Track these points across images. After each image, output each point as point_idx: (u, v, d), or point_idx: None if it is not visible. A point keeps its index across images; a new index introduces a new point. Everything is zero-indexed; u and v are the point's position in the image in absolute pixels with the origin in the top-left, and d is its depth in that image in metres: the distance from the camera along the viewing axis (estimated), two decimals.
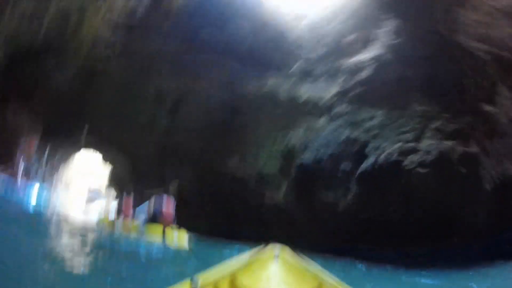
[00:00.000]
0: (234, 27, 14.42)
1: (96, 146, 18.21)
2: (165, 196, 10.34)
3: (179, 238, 9.57)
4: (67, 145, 17.65)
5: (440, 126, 11.68)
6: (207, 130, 14.46)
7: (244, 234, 14.09)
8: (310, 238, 13.21)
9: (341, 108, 13.67)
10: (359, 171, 12.25)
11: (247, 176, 13.77)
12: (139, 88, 14.01)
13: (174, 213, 10.28)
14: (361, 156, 12.52)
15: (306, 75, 15.19)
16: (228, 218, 14.39)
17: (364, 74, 13.68)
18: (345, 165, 12.57)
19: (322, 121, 14.01)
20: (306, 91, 14.60)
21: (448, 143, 11.26)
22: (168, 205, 10.19)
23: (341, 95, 14.02)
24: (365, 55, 14.11)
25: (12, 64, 12.63)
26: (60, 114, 15.05)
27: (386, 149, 12.06)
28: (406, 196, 11.65)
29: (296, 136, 13.80)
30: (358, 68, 14.04)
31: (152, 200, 10.64)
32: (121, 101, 14.28)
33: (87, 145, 18.64)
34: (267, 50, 14.79)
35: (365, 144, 12.65)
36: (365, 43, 14.59)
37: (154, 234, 9.49)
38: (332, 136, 13.04)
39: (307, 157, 13.07)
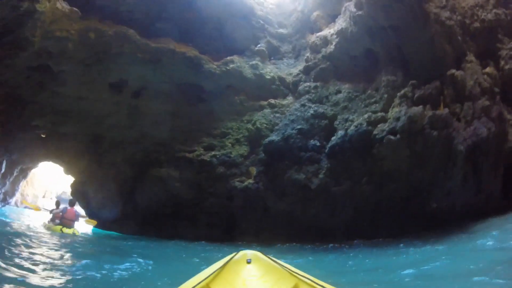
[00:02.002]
0: (201, 4, 13.86)
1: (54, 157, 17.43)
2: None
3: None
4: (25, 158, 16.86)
5: (408, 93, 11.45)
6: (171, 117, 13.86)
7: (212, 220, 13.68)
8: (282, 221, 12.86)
9: (307, 84, 13.32)
10: (329, 145, 11.90)
11: (215, 161, 13.22)
12: (98, 78, 13.35)
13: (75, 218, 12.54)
14: (330, 130, 12.20)
15: (272, 52, 14.81)
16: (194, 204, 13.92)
17: (329, 49, 13.38)
18: (315, 141, 12.20)
19: (288, 98, 13.63)
20: (272, 69, 14.20)
21: (417, 109, 11.01)
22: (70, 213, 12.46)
23: (307, 71, 13.68)
24: (329, 30, 13.83)
25: None
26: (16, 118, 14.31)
27: (355, 120, 11.76)
28: (378, 166, 11.40)
29: (262, 116, 13.35)
30: (323, 43, 13.74)
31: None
32: (78, 94, 13.61)
33: (45, 157, 17.78)
34: (234, 27, 14.30)
35: (333, 118, 12.33)
36: (331, 17, 14.35)
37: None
38: (299, 113, 12.66)
39: (274, 136, 12.63)
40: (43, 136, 15.23)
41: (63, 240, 10.15)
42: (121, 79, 13.78)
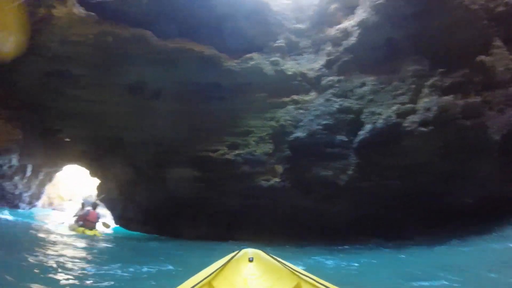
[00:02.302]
0: (216, 2, 13.59)
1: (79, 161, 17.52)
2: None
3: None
4: (48, 163, 16.93)
5: (436, 82, 11.09)
6: (191, 117, 13.65)
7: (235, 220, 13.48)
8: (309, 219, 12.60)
9: (330, 78, 12.98)
10: (357, 139, 11.58)
11: (240, 160, 12.96)
12: (116, 81, 13.22)
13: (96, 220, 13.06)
14: (357, 124, 11.86)
15: (291, 48, 14.48)
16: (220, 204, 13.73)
17: (350, 41, 13.02)
18: (341, 136, 11.89)
19: (311, 94, 13.31)
20: (293, 65, 13.88)
21: (448, 98, 10.65)
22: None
23: (329, 65, 13.33)
24: (349, 22, 13.47)
25: None
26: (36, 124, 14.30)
27: (382, 113, 11.41)
28: (408, 160, 11.08)
29: (286, 113, 13.04)
30: (343, 36, 13.38)
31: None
32: (97, 97, 13.52)
33: (69, 161, 17.85)
34: (251, 23, 14.00)
35: (359, 112, 11.99)
36: (349, 9, 13.99)
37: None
38: (324, 108, 12.30)
39: (299, 132, 12.32)
40: (66, 140, 15.18)
41: (87, 242, 10.49)
42: (139, 81, 13.61)
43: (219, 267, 2.57)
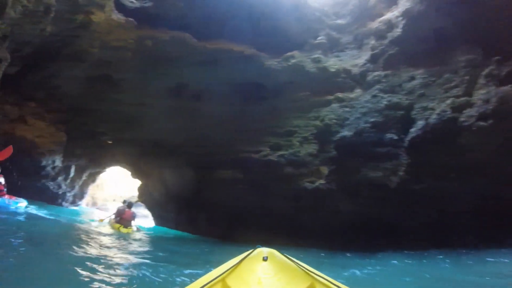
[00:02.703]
0: (253, 1, 13.26)
1: (122, 162, 17.79)
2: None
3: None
4: (92, 163, 17.26)
5: (493, 71, 10.24)
6: (232, 118, 13.41)
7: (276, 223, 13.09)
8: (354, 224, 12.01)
9: (376, 73, 12.35)
10: (408, 138, 10.91)
11: (283, 161, 12.57)
12: (157, 84, 13.21)
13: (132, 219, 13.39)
14: (407, 121, 11.17)
15: (333, 45, 13.95)
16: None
17: (395, 33, 12.35)
18: (391, 134, 11.25)
19: (357, 91, 12.73)
20: (336, 62, 13.36)
21: (507, 88, 9.80)
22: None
23: (374, 59, 12.70)
24: (393, 13, 12.81)
25: (22, 71, 12.11)
26: (80, 126, 14.52)
27: (435, 108, 10.69)
28: (465, 159, 10.28)
29: (330, 111, 12.54)
30: (388, 28, 12.72)
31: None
32: (138, 100, 13.57)
33: (112, 162, 18.11)
34: (290, 21, 13.58)
35: (409, 108, 11.30)
36: (389, 1, 13.32)
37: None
38: (371, 105, 11.68)
39: (346, 131, 11.77)
40: (109, 142, 15.34)
41: (126, 240, 10.71)
42: (180, 83, 13.52)
43: (233, 266, 2.53)
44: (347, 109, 12.33)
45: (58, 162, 15.12)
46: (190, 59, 13.03)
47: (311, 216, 12.58)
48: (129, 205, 14.13)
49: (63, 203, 17.41)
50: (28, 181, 14.27)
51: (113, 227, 13.04)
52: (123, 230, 12.72)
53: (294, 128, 12.91)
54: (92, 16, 11.86)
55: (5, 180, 12.45)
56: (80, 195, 19.00)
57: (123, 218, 13.18)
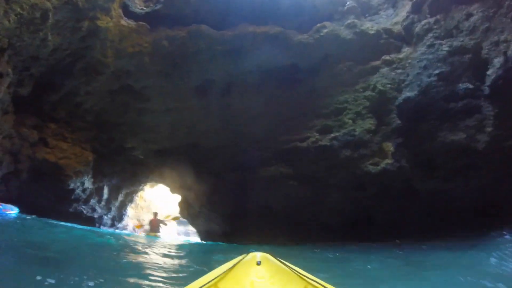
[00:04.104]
0: None
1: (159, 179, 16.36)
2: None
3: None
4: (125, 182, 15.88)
5: None
6: (267, 108, 11.60)
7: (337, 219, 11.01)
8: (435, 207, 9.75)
9: (424, 21, 10.30)
10: (487, 83, 8.74)
11: (337, 144, 10.58)
12: (181, 85, 11.67)
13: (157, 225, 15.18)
14: (479, 64, 8.99)
15: (364, 10, 12.08)
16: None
17: None
18: (465, 84, 9.08)
19: (405, 49, 10.71)
20: (373, 24, 11.45)
21: None
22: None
23: (417, 8, 10.66)
24: None
25: (37, 92, 11.03)
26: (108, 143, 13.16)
27: (510, 39, 8.52)
28: None
29: (381, 77, 10.54)
30: None
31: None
32: (164, 106, 12.09)
33: (147, 179, 16.67)
34: None
35: (477, 48, 9.13)
36: None
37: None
38: (429, 55, 9.57)
39: (408, 92, 9.68)
40: (141, 157, 13.86)
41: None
42: (205, 79, 11.85)
43: (226, 270, 2.48)
44: (400, 70, 10.26)
45: (88, 184, 13.68)
46: (212, 52, 11.35)
47: (381, 206, 10.46)
48: (155, 214, 16.16)
49: (102, 227, 15.84)
50: (60, 205, 13.03)
51: (148, 234, 14.84)
52: (151, 234, 14.61)
53: (342, 105, 10.85)
54: (99, 22, 10.52)
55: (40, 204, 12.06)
56: (119, 217, 17.38)
57: (153, 225, 15.12)
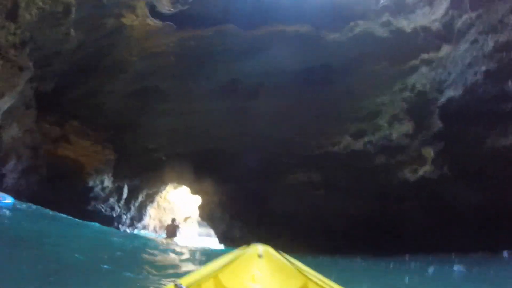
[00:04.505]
0: None
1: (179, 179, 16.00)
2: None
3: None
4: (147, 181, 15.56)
5: None
6: (296, 110, 10.95)
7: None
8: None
9: (465, 16, 9.49)
10: None
11: (372, 149, 9.83)
12: (206, 85, 11.20)
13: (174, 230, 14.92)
14: None
15: (399, 8, 11.37)
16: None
17: None
18: None
19: (444, 47, 9.92)
20: (409, 22, 10.72)
21: None
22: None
23: (457, 4, 9.87)
24: None
25: (60, 89, 10.86)
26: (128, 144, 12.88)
27: None
28: None
29: (420, 77, 9.77)
30: None
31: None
32: (187, 107, 11.64)
33: (168, 180, 16.29)
34: None
35: None
36: None
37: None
38: (474, 52, 8.76)
39: (451, 92, 8.87)
40: (163, 159, 13.46)
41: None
42: (231, 79, 11.33)
43: (227, 262, 2.39)
44: (439, 70, 9.46)
45: (108, 183, 13.49)
46: (239, 51, 10.81)
47: (420, 218, 9.56)
48: (172, 220, 15.97)
49: (120, 226, 15.69)
50: (79, 203, 12.80)
51: (166, 240, 14.62)
52: (168, 240, 14.34)
53: (378, 107, 10.05)
54: (124, 19, 10.18)
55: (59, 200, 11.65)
56: (139, 218, 17.07)
57: (169, 231, 15.10)
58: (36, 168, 11.51)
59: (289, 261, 2.48)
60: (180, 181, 16.31)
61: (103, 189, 13.14)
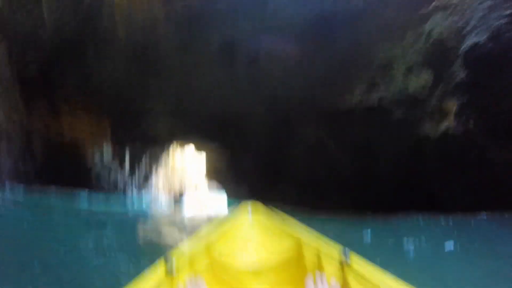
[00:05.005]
0: None
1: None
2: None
3: None
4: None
5: None
6: (301, 65, 10.16)
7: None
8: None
9: None
10: None
11: (386, 103, 9.27)
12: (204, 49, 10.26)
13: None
14: None
15: None
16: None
17: None
18: None
19: None
20: None
21: None
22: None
23: None
24: None
25: (50, 72, 9.96)
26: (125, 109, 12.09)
27: None
28: None
29: (435, 25, 9.11)
30: None
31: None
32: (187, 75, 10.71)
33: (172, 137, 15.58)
34: None
35: None
36: None
37: None
38: None
39: (475, 37, 8.30)
40: (163, 118, 12.91)
41: None
42: (227, 42, 10.44)
43: (218, 229, 2.34)
44: (456, 17, 8.83)
45: (108, 153, 13.15)
46: (233, 11, 9.94)
47: (440, 177, 9.15)
48: (179, 181, 16.53)
49: (127, 192, 15.08)
50: (81, 178, 12.54)
51: (175, 202, 14.79)
52: (175, 202, 14.51)
53: (391, 58, 9.40)
54: None
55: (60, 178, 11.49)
56: (145, 180, 16.51)
57: (176, 193, 15.61)
58: (31, 150, 11.15)
59: (281, 219, 2.39)
60: (185, 140, 15.53)
61: (104, 159, 12.79)
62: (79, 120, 11.46)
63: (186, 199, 14.49)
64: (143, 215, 10.81)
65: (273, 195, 11.90)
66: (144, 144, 13.98)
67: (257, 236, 2.38)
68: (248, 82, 10.85)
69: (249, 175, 12.75)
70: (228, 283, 2.02)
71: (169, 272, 1.54)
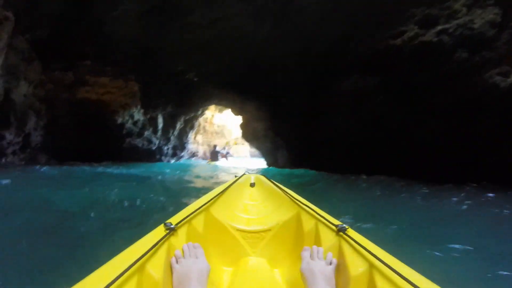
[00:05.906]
0: None
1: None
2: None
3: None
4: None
5: None
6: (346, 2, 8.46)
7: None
8: None
9: None
10: None
11: (448, 40, 7.49)
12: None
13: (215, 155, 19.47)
14: None
15: None
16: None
17: None
18: None
19: None
20: None
21: None
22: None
23: None
24: None
25: (60, 32, 9.48)
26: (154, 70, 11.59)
27: None
28: None
29: None
30: None
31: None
32: (211, 16, 9.51)
33: (207, 101, 15.06)
34: None
35: None
36: None
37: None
38: None
39: None
40: (195, 79, 12.13)
41: None
42: None
43: (220, 193, 2.26)
44: None
45: (139, 115, 12.62)
46: None
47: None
48: (214, 146, 20.51)
49: (162, 158, 15.21)
50: (110, 144, 12.34)
51: (208, 163, 18.13)
52: (210, 162, 17.91)
53: None
54: None
55: (89, 147, 11.59)
56: (181, 146, 16.50)
57: (212, 155, 19.50)
58: (56, 120, 10.85)
59: (282, 190, 2.35)
60: (219, 102, 15.07)
61: (134, 123, 12.36)
62: (105, 84, 11.02)
63: (219, 160, 17.20)
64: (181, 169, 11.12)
65: (309, 155, 11.17)
66: (177, 107, 13.52)
67: (257, 202, 2.37)
68: (281, 24, 9.46)
69: (284, 134, 12.06)
70: (224, 243, 1.99)
71: (168, 234, 1.51)
